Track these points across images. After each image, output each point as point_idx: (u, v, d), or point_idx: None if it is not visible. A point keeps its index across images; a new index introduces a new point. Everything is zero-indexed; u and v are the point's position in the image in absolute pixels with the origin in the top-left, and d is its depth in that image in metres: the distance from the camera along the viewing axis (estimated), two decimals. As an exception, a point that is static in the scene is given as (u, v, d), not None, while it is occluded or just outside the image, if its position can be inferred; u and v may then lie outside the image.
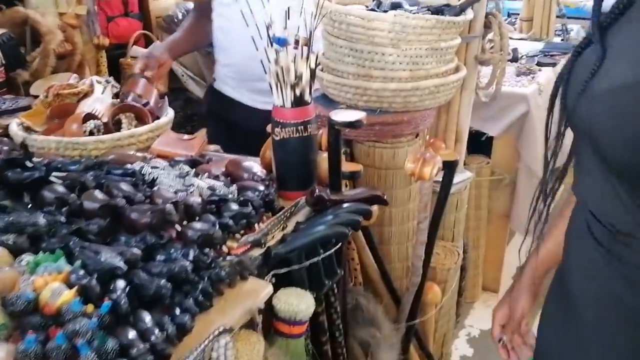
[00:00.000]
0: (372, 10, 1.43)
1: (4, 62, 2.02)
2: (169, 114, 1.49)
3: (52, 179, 1.13)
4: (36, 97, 2.07)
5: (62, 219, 1.03)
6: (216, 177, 1.21)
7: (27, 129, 1.42)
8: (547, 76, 2.36)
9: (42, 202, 1.09)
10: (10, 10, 2.22)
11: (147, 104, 1.48)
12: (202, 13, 1.93)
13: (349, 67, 1.38)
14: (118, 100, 1.53)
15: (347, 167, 1.20)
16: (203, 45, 2.19)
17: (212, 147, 1.50)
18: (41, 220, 0.99)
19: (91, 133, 1.37)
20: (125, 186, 1.10)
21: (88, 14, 2.40)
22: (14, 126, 1.38)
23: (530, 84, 2.28)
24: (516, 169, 2.24)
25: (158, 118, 1.50)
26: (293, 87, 1.13)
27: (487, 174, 2.22)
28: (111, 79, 1.60)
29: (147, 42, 2.78)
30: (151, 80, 1.56)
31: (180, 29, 2.05)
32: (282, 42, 1.11)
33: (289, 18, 1.16)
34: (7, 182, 1.13)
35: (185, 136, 1.44)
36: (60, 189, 1.10)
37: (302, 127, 1.15)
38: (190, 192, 1.12)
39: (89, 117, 1.38)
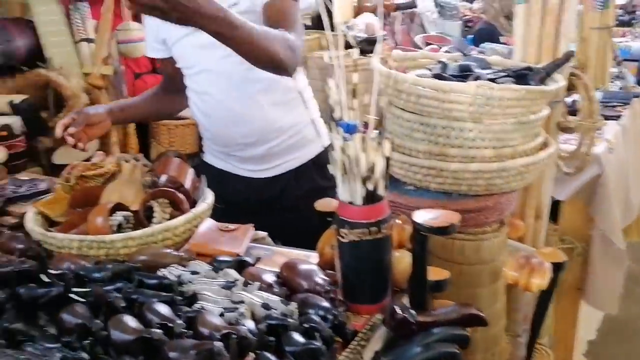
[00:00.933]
0: (439, 75, 1.23)
1: (24, 130, 1.86)
2: (207, 198, 1.29)
3: (72, 296, 0.93)
4: (59, 166, 1.92)
5: (85, 356, 0.83)
6: (269, 287, 1.00)
7: (46, 220, 1.23)
8: (614, 131, 2.13)
9: (61, 328, 0.89)
10: (31, 74, 2.08)
11: (181, 186, 1.29)
12: (170, 86, 1.77)
13: (419, 144, 1.17)
14: (148, 180, 1.33)
15: (429, 273, 0.98)
16: (160, 117, 2.10)
17: (260, 234, 1.29)
18: (58, 363, 0.78)
19: (120, 227, 1.17)
20: (161, 308, 0.89)
21: (115, 74, 2.26)
22: (30, 219, 1.19)
23: (597, 141, 2.05)
24: (588, 236, 2.00)
25: (195, 203, 1.30)
26: (364, 181, 0.93)
27: (555, 242, 1.98)
28: (140, 156, 1.41)
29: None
30: (183, 157, 1.37)
31: (139, 95, 1.90)
32: (352, 129, 0.91)
33: (354, 97, 0.96)
34: (19, 301, 0.93)
35: (230, 225, 1.23)
36: (83, 310, 0.89)
37: (375, 227, 0.94)
38: (241, 313, 0.91)
39: (117, 207, 1.19)
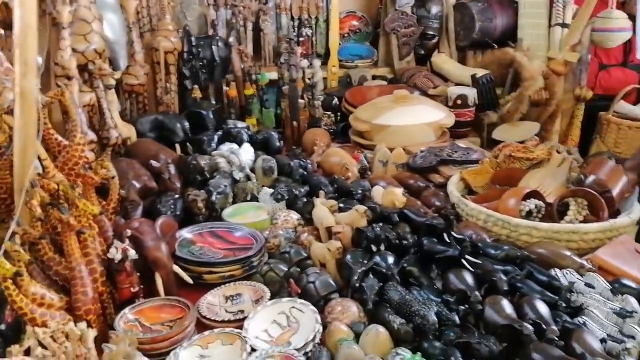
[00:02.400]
0: None
1: (477, 102, 2.01)
2: (633, 214, 1.14)
3: (463, 262, 0.99)
4: (496, 141, 2.01)
5: (456, 319, 0.88)
6: (675, 336, 0.83)
7: (466, 187, 1.33)
8: None
9: (445, 286, 0.97)
10: (499, 51, 2.21)
11: (608, 192, 1.17)
12: None
13: None
14: (575, 175, 1.27)
15: None
16: None
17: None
18: (432, 317, 0.85)
19: (529, 213, 1.16)
20: (541, 306, 0.86)
21: (579, 61, 2.17)
22: (453, 182, 1.30)
23: None
24: None
25: (618, 213, 1.17)
26: None
27: None
28: (574, 150, 1.35)
29: (639, 97, 2.36)
30: (620, 161, 1.23)
31: None
32: None
33: None
34: (421, 249, 1.05)
35: (646, 249, 1.07)
36: (469, 279, 0.94)
37: None
38: (627, 349, 0.79)
39: (532, 194, 1.18)
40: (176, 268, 1.02)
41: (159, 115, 1.72)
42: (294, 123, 1.82)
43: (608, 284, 0.96)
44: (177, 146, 1.64)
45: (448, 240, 1.02)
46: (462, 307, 0.90)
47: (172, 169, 1.37)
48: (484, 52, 2.36)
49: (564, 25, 2.25)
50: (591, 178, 1.21)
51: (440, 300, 0.93)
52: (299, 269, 1.05)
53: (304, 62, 2.08)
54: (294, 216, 1.24)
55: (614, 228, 1.10)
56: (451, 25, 2.36)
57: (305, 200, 1.30)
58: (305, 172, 1.45)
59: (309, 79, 2.05)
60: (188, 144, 1.63)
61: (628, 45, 2.31)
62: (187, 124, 1.68)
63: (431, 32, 2.37)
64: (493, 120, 2.09)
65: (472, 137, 2.03)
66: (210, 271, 1.06)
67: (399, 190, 1.24)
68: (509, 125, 2.05)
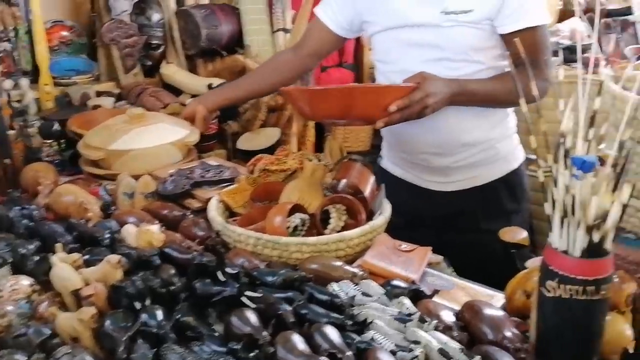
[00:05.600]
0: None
1: (217, 113, 1.94)
2: (385, 211, 1.20)
3: (243, 299, 0.90)
4: (243, 152, 1.98)
5: (249, 369, 0.78)
6: (448, 329, 0.87)
7: (227, 208, 1.24)
8: None
9: (229, 332, 0.86)
10: (230, 59, 2.18)
11: (361, 194, 1.21)
12: (305, 51, 1.65)
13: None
14: (328, 182, 1.29)
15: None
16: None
17: (434, 258, 1.18)
18: (223, 375, 0.75)
19: (296, 229, 1.13)
20: (331, 333, 0.82)
21: (304, 65, 2.27)
22: (213, 207, 1.20)
23: None
24: None
25: (372, 213, 1.22)
26: (589, 229, 0.76)
27: None
28: (322, 156, 1.37)
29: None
30: (366, 164, 1.29)
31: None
32: (588, 167, 0.74)
33: (592, 125, 0.79)
34: (194, 294, 0.93)
35: (404, 245, 1.13)
36: (253, 319, 0.85)
37: (592, 287, 0.77)
38: (415, 357, 0.80)
39: (295, 208, 1.15)
40: None
41: None
42: (6, 161, 1.48)
43: (381, 288, 0.98)
44: None
45: (223, 279, 0.92)
46: (252, 354, 0.80)
47: None
48: (214, 60, 2.30)
49: (286, 30, 2.33)
50: (343, 182, 1.24)
51: (227, 350, 0.82)
52: (44, 354, 0.83)
53: (7, 83, 1.74)
54: (25, 282, 0.98)
55: (374, 229, 1.14)
56: (176, 33, 2.24)
57: (37, 258, 1.04)
58: (31, 222, 1.18)
59: (17, 102, 1.72)
60: None
61: (342, 48, 2.50)
62: None
63: (156, 42, 2.21)
64: (235, 130, 2.05)
65: (218, 149, 1.96)
66: None
67: (155, 227, 1.08)
68: (251, 134, 2.04)
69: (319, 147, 2.31)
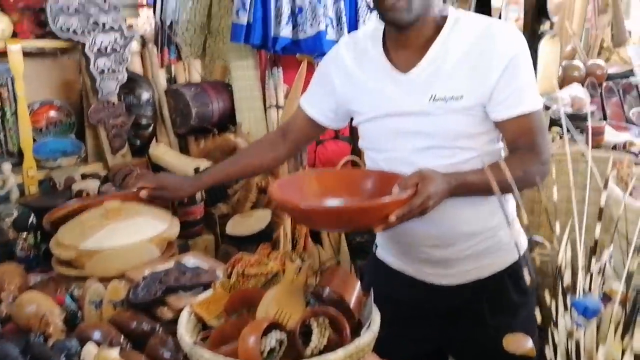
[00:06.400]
0: None
1: (204, 197, 1.86)
2: (374, 325, 1.08)
3: None
4: (231, 238, 1.88)
5: None
6: None
7: (200, 321, 1.13)
8: None
9: None
10: (221, 138, 2.12)
11: (345, 303, 1.10)
12: (287, 139, 1.58)
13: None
14: (311, 287, 1.18)
15: None
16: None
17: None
18: None
19: (271, 351, 1.02)
20: None
21: (297, 141, 2.21)
22: (184, 322, 1.09)
23: None
24: None
25: (360, 325, 1.10)
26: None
27: None
28: (307, 255, 1.27)
29: (354, 167, 2.52)
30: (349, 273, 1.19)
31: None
32: (591, 314, 0.64)
33: (594, 253, 0.69)
34: None
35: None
36: None
37: None
38: None
39: (272, 325, 1.04)
40: None
41: None
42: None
43: None
44: None
45: None
46: None
47: None
48: (205, 138, 2.25)
49: (278, 106, 2.28)
50: (327, 290, 1.13)
51: None
52: None
53: (-11, 169, 1.68)
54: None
55: (360, 349, 1.02)
56: (166, 112, 2.19)
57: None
58: (-15, 341, 1.08)
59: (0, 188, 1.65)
60: None
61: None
62: None
63: (145, 121, 2.16)
64: (224, 212, 1.97)
65: (205, 234, 1.87)
66: None
67: (114, 353, 0.98)
68: (241, 216, 1.95)
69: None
